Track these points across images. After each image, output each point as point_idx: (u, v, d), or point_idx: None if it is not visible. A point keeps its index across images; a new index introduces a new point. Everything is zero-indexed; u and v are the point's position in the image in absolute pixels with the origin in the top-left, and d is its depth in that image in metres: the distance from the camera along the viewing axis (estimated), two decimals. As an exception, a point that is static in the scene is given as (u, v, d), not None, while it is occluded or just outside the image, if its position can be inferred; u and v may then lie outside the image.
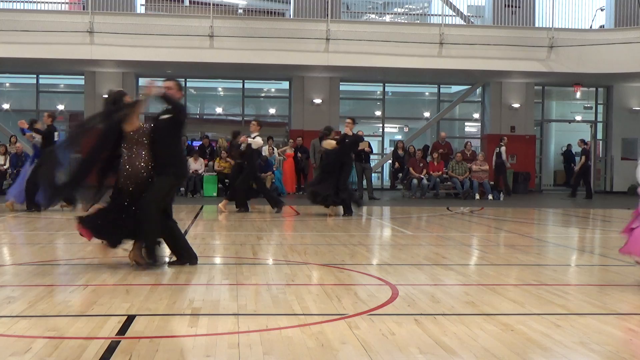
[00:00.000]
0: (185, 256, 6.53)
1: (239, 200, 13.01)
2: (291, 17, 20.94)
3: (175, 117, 6.40)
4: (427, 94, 24.83)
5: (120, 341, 3.84)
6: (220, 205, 12.94)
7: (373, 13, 24.33)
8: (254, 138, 12.65)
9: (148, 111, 26.23)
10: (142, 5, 21.04)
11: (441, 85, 23.48)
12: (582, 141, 20.36)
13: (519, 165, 21.92)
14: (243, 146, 12.70)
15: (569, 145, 24.86)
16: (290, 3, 21.43)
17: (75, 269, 6.43)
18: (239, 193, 12.96)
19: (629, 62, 19.55)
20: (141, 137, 6.31)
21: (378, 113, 23.53)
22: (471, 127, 25.58)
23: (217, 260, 7.30)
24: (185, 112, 6.63)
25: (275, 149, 19.43)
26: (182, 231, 9.72)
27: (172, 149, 6.45)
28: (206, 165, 18.31)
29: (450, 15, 21.48)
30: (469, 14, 22.31)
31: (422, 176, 18.62)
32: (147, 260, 6.27)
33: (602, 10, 22.50)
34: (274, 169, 18.51)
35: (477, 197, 18.46)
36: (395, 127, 27.05)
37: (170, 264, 6.50)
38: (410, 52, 19.24)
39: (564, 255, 8.30)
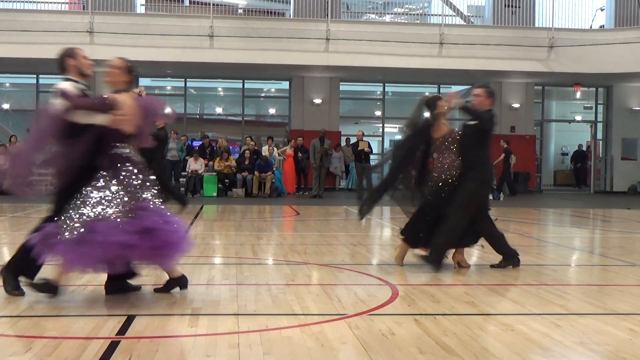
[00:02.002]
0: (508, 255, 6.56)
1: None
2: (291, 17, 20.94)
3: (479, 125, 6.48)
4: (427, 94, 24.81)
5: (120, 341, 3.84)
6: None
7: (373, 13, 24.33)
8: None
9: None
10: (142, 5, 21.05)
11: (441, 85, 23.48)
12: (505, 141, 20.55)
13: (519, 165, 21.91)
14: None
15: (579, 146, 24.94)
16: (290, 3, 21.43)
17: (75, 269, 6.42)
18: None
19: (629, 62, 19.54)
20: (451, 144, 6.48)
21: (378, 113, 23.54)
22: (471, 127, 25.55)
23: (217, 260, 7.30)
24: (491, 121, 6.59)
25: (275, 149, 19.43)
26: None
27: (477, 156, 6.48)
28: (206, 165, 18.31)
29: (450, 15, 21.48)
30: (469, 14, 22.32)
31: (422, 176, 18.59)
32: (432, 259, 6.30)
33: (602, 10, 22.50)
34: (274, 169, 18.51)
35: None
36: (395, 127, 27.04)
37: (495, 265, 6.54)
38: (410, 52, 19.24)
39: (564, 255, 8.30)
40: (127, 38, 18.41)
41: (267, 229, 10.77)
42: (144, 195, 4.78)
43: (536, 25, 21.46)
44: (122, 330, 4.07)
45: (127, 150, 4.86)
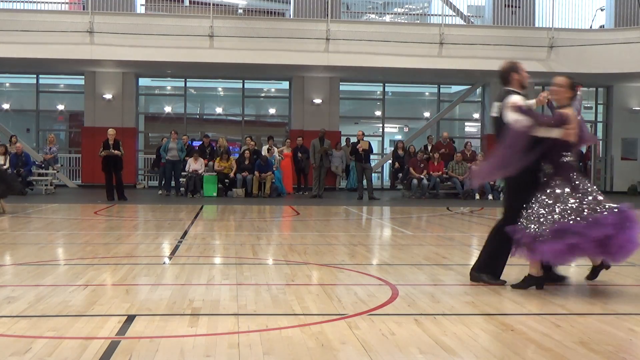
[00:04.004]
0: None
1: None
2: (291, 17, 20.95)
3: None
4: (427, 94, 24.83)
5: (120, 341, 3.84)
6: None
7: (373, 13, 24.34)
8: None
9: (148, 111, 26.03)
10: (142, 5, 21.06)
11: (441, 85, 23.48)
12: (429, 139, 20.74)
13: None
14: None
15: None
16: (290, 3, 21.44)
17: (75, 269, 6.43)
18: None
19: (629, 62, 19.55)
20: None
21: (378, 113, 23.54)
22: (471, 127, 25.58)
23: (217, 260, 7.31)
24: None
25: (275, 149, 19.45)
26: (182, 231, 9.74)
27: None
28: (206, 165, 18.30)
29: (450, 15, 21.49)
30: (469, 14, 22.32)
31: (422, 176, 18.63)
32: None
33: (602, 10, 22.50)
34: (274, 169, 18.50)
35: (477, 197, 18.46)
36: (395, 127, 27.06)
37: None
38: (410, 52, 19.24)
39: (564, 255, 8.28)
40: (127, 38, 18.43)
41: (267, 229, 10.77)
42: (589, 198, 5.38)
43: (536, 25, 21.46)
44: (122, 330, 4.07)
45: (572, 159, 5.56)
